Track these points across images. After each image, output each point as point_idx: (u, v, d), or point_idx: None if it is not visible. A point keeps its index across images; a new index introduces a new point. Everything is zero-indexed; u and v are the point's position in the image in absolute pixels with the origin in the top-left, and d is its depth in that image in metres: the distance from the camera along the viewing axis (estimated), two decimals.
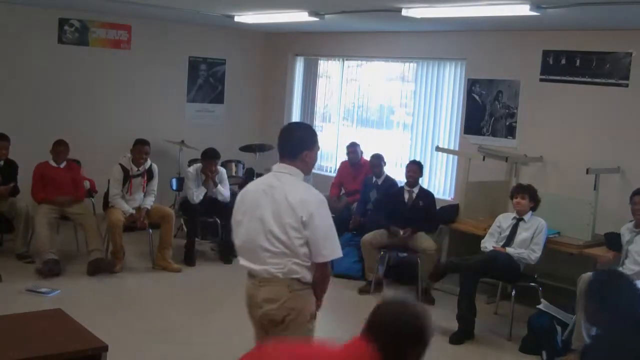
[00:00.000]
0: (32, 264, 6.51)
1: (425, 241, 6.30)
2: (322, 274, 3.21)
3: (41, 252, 6.33)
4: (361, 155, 7.75)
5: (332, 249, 3.17)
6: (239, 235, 3.30)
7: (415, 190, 6.59)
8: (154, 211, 6.81)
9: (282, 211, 3.13)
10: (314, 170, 8.85)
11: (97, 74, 8.38)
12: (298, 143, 3.26)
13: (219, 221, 7.24)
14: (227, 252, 7.20)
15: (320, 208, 3.16)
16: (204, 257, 7.30)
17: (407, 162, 7.00)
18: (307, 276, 3.19)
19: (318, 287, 3.25)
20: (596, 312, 3.03)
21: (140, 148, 6.77)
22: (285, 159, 3.30)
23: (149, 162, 6.85)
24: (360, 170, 7.68)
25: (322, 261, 3.16)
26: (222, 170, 7.37)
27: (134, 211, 6.69)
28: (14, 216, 6.62)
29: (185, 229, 7.26)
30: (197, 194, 7.07)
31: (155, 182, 6.91)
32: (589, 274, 4.86)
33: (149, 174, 6.85)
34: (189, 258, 6.99)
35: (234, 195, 7.88)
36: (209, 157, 7.13)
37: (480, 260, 5.50)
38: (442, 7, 5.71)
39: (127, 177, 6.70)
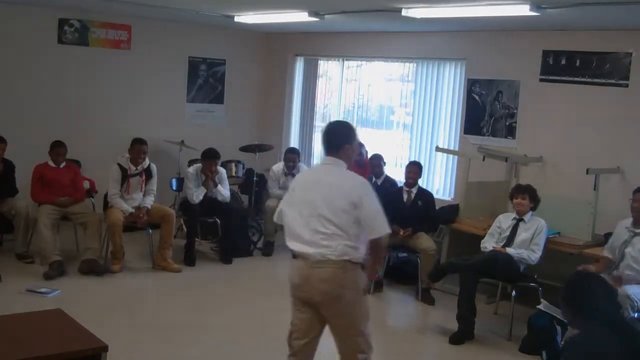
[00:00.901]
0: (32, 264, 6.52)
1: (425, 241, 6.31)
2: (377, 248, 3.62)
3: (46, 254, 6.33)
4: (366, 156, 7.76)
5: (383, 225, 3.55)
6: (291, 221, 3.63)
7: (414, 190, 6.59)
8: (155, 211, 6.81)
9: (333, 196, 3.51)
10: None
11: (97, 74, 8.37)
12: (340, 138, 3.67)
13: (218, 221, 7.24)
14: (227, 252, 7.21)
15: (368, 190, 3.59)
16: (204, 257, 7.30)
17: (407, 162, 7.01)
18: (357, 256, 3.54)
19: (373, 260, 3.66)
20: (572, 315, 3.01)
21: (138, 147, 6.78)
22: (331, 152, 3.68)
23: (147, 161, 6.86)
24: (365, 170, 7.69)
25: (377, 237, 3.55)
26: (222, 170, 7.38)
27: (133, 210, 6.70)
28: (14, 216, 6.62)
29: (185, 229, 7.26)
30: (197, 194, 7.07)
31: (154, 182, 6.92)
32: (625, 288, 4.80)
33: (147, 173, 6.86)
34: (189, 258, 6.99)
35: (233, 195, 7.91)
36: (209, 157, 7.13)
37: (480, 260, 5.50)
38: (442, 7, 5.71)
39: (125, 176, 6.70)
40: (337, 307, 3.54)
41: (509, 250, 5.54)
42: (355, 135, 3.76)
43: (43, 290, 5.80)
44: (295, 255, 3.62)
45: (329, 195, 3.52)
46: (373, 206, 3.53)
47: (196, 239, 7.19)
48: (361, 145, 7.75)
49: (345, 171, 3.66)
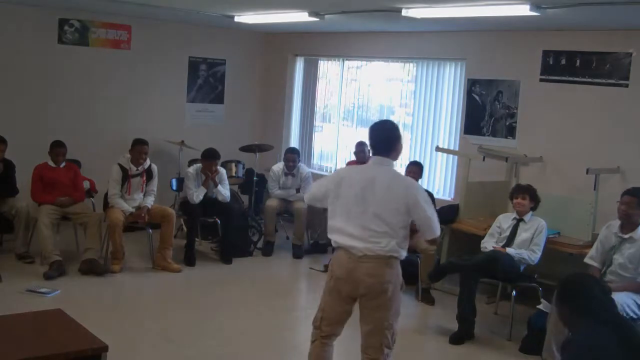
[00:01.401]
0: (32, 264, 6.52)
1: (424, 242, 6.28)
2: (432, 243, 4.12)
3: (46, 254, 6.34)
4: (369, 155, 7.74)
5: (437, 227, 3.77)
6: (338, 216, 3.75)
7: None
8: (155, 211, 6.81)
9: (390, 197, 3.66)
10: (313, 170, 8.90)
11: (97, 74, 8.37)
12: (392, 139, 3.82)
13: (219, 221, 7.25)
14: (227, 252, 7.21)
15: (422, 193, 3.76)
16: (204, 257, 7.30)
17: (407, 162, 7.00)
18: (403, 254, 3.73)
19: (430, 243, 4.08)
20: (567, 315, 3.00)
21: (139, 148, 6.78)
22: (381, 153, 3.82)
23: (148, 162, 6.86)
24: None
25: (433, 237, 3.83)
26: (222, 170, 7.38)
27: (133, 210, 6.70)
28: (14, 216, 6.62)
29: (185, 229, 7.26)
30: (197, 194, 7.07)
31: (154, 182, 6.92)
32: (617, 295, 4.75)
33: (148, 174, 6.86)
34: (189, 258, 6.99)
35: (234, 195, 7.91)
36: (209, 157, 7.13)
37: (480, 260, 5.50)
38: (442, 7, 5.71)
39: (125, 177, 6.70)
40: (380, 300, 3.68)
41: (509, 250, 5.53)
42: (401, 136, 3.92)
43: (43, 290, 5.79)
44: (335, 249, 3.81)
45: (386, 196, 3.66)
46: (428, 209, 3.70)
47: (196, 239, 7.19)
48: (363, 144, 7.76)
49: (399, 173, 3.89)
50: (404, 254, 3.73)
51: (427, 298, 6.22)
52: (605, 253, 5.02)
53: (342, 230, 3.71)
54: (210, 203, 7.19)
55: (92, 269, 6.35)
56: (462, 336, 5.33)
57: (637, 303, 4.72)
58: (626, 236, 4.91)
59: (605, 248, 5.03)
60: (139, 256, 7.00)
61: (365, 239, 3.64)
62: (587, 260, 5.17)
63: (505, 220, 5.81)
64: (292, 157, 7.71)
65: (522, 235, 5.62)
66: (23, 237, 6.66)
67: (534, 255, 5.52)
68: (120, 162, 6.74)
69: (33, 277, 6.13)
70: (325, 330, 3.84)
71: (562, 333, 4.73)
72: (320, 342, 3.87)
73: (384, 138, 3.82)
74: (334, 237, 3.76)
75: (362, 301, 3.72)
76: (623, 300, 4.61)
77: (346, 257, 3.69)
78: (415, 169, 6.65)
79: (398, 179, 3.78)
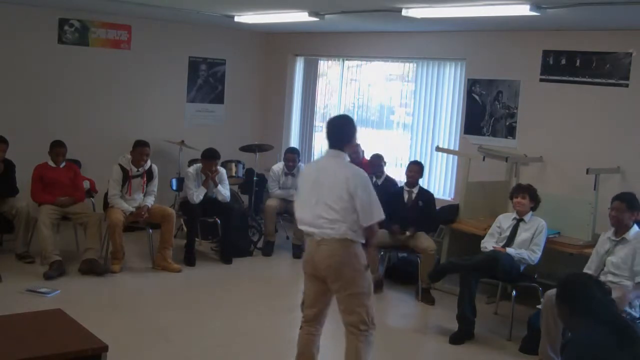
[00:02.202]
0: (32, 264, 6.52)
1: (425, 241, 6.31)
2: (371, 233, 3.99)
3: (46, 254, 6.34)
4: (362, 155, 7.75)
5: (376, 213, 3.94)
6: (299, 206, 4.15)
7: (415, 190, 6.60)
8: (155, 211, 6.81)
9: (334, 185, 3.92)
10: None
11: (97, 74, 8.37)
12: (343, 135, 4.08)
13: (219, 221, 7.24)
14: (227, 252, 7.21)
15: (363, 181, 3.95)
16: (204, 257, 7.30)
17: (408, 162, 7.00)
18: (356, 237, 3.93)
19: (368, 243, 4.02)
20: (568, 314, 3.00)
21: (140, 150, 6.77)
22: (334, 146, 4.07)
23: (149, 163, 6.86)
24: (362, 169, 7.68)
25: (370, 224, 3.93)
26: (222, 170, 7.38)
27: (134, 209, 6.70)
28: (15, 216, 6.62)
29: (185, 229, 7.26)
30: (197, 194, 7.08)
31: (155, 183, 6.92)
32: (553, 290, 4.72)
33: (149, 174, 6.86)
34: (189, 258, 6.99)
35: (234, 195, 7.91)
36: (209, 157, 7.13)
37: (480, 260, 5.50)
38: (442, 7, 5.71)
39: (126, 177, 6.70)
40: (342, 281, 3.93)
41: (509, 250, 5.53)
42: (356, 130, 4.17)
43: (43, 290, 5.79)
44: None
45: (332, 185, 3.93)
46: (366, 196, 3.90)
47: (196, 239, 7.19)
48: (357, 145, 7.76)
49: (346, 163, 4.06)
50: (357, 237, 3.93)
51: (427, 298, 6.22)
52: (600, 258, 5.01)
53: (302, 220, 4.07)
54: (210, 203, 7.19)
55: (92, 269, 6.34)
56: (462, 336, 5.33)
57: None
58: (619, 238, 4.92)
59: (600, 253, 5.03)
60: (139, 256, 7.00)
61: (319, 226, 3.94)
62: (585, 270, 5.09)
63: (505, 220, 5.80)
64: (292, 157, 7.71)
65: (522, 235, 5.62)
66: (23, 237, 6.66)
67: (534, 255, 5.52)
68: (120, 163, 6.74)
69: (33, 277, 6.13)
70: (308, 314, 4.13)
71: (557, 336, 4.77)
72: (305, 327, 4.14)
73: (338, 132, 4.09)
74: (300, 227, 4.12)
75: (328, 284, 4.00)
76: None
77: (309, 242, 4.06)
78: (416, 167, 6.65)
79: (345, 168, 4.00)
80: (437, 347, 5.32)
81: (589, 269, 5.06)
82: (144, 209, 6.71)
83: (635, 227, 4.92)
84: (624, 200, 4.94)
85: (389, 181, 7.31)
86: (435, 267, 5.96)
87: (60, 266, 6.28)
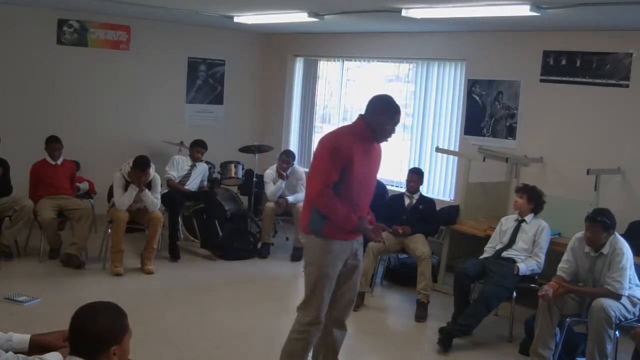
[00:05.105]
0: (9, 260, 6.49)
1: (420, 246, 6.13)
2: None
3: (55, 246, 6.67)
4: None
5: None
6: None
7: (416, 196, 6.53)
8: (144, 213, 6.65)
9: None
10: None
11: (96, 75, 8.37)
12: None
13: (216, 222, 7.23)
14: (226, 253, 7.18)
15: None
16: (203, 258, 7.29)
17: (408, 168, 6.94)
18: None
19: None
20: None
21: (139, 172, 6.46)
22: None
23: (150, 174, 6.61)
24: None
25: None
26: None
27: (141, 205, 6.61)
28: (17, 212, 6.47)
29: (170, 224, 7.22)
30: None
31: (157, 189, 6.70)
32: (601, 300, 4.62)
33: (148, 185, 6.62)
34: (173, 251, 7.07)
35: (233, 196, 7.88)
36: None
37: (473, 266, 5.57)
38: (442, 8, 5.70)
39: (128, 184, 6.58)
40: None
41: (521, 267, 5.47)
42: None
43: (21, 299, 5.55)
44: None
45: None
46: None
47: (195, 240, 7.16)
48: None
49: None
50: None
51: (421, 316, 5.89)
52: (585, 273, 4.94)
53: None
54: (191, 193, 7.33)
55: (70, 262, 6.48)
56: (450, 332, 5.23)
57: (625, 307, 4.71)
58: (597, 254, 4.85)
59: (582, 269, 4.94)
60: (138, 257, 6.97)
61: None
62: (558, 272, 5.03)
63: (507, 222, 5.80)
64: (287, 159, 7.59)
65: (523, 235, 5.62)
66: (13, 233, 6.53)
67: (539, 260, 5.55)
68: (122, 171, 6.55)
69: (12, 284, 5.87)
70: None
71: (550, 335, 4.75)
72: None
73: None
74: None
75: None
76: (610, 306, 4.59)
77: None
78: (416, 177, 6.53)
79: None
80: (437, 347, 5.29)
81: (562, 270, 4.99)
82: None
83: (612, 238, 4.80)
84: (595, 220, 4.76)
85: (378, 185, 7.21)
86: (445, 333, 5.32)
87: (76, 259, 6.50)
